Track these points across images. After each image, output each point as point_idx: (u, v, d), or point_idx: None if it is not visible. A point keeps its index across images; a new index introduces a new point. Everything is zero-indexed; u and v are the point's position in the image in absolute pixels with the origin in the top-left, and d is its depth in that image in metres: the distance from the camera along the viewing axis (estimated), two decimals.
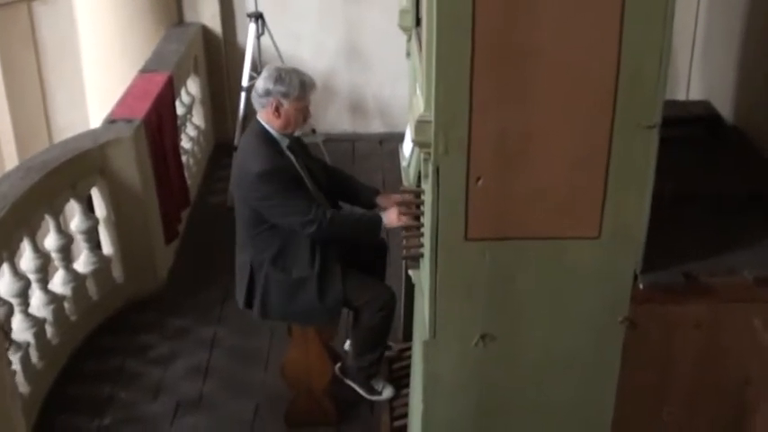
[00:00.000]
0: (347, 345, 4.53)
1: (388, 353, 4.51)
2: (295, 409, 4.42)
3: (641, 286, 3.14)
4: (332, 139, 7.69)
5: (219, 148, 7.64)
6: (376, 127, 8.12)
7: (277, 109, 3.94)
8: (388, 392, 4.39)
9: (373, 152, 7.70)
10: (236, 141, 6.63)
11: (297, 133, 4.12)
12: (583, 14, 2.71)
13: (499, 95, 2.79)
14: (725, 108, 4.47)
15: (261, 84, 3.98)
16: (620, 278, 3.13)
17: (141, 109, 5.61)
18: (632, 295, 3.16)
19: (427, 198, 3.10)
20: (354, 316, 4.23)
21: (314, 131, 7.08)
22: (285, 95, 3.93)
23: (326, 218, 3.91)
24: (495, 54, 2.73)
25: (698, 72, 5.18)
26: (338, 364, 4.41)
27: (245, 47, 7.15)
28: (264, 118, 4.00)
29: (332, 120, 8.05)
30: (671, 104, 5.10)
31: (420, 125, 2.88)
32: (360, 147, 7.88)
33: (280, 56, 6.91)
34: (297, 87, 3.94)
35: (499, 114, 2.82)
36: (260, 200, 3.91)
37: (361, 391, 4.39)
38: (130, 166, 5.33)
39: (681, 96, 5.33)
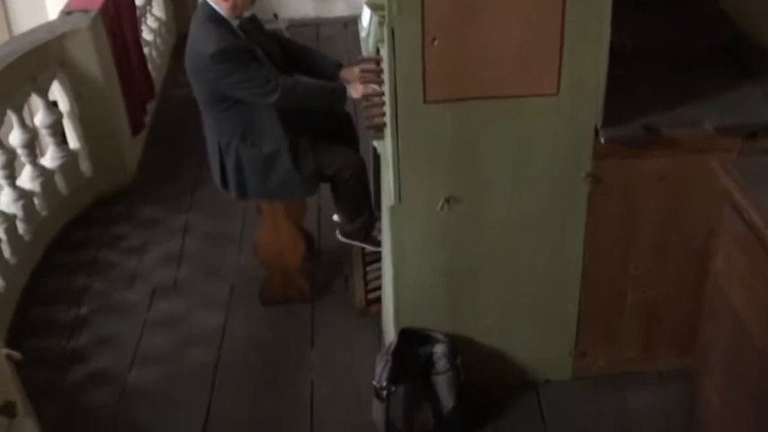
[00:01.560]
0: (335, 216, 4.55)
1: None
2: (269, 287, 4.45)
3: (602, 141, 3.14)
4: (295, 24, 7.59)
5: (182, 39, 7.44)
6: (340, 10, 7.99)
7: None
8: None
9: (338, 35, 7.58)
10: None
11: (247, 14, 4.04)
12: None
13: None
14: None
15: None
16: (581, 134, 3.15)
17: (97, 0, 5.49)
18: (594, 150, 3.19)
19: (385, 64, 3.08)
20: (331, 187, 4.25)
21: (276, 17, 6.98)
22: None
23: (288, 84, 3.87)
24: None
25: None
26: (337, 230, 4.44)
27: None
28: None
29: (295, 4, 7.91)
30: None
31: None
32: (324, 31, 7.77)
33: None
34: None
35: None
36: (218, 79, 3.86)
37: (367, 247, 4.44)
38: (90, 57, 5.23)
39: None
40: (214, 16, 3.89)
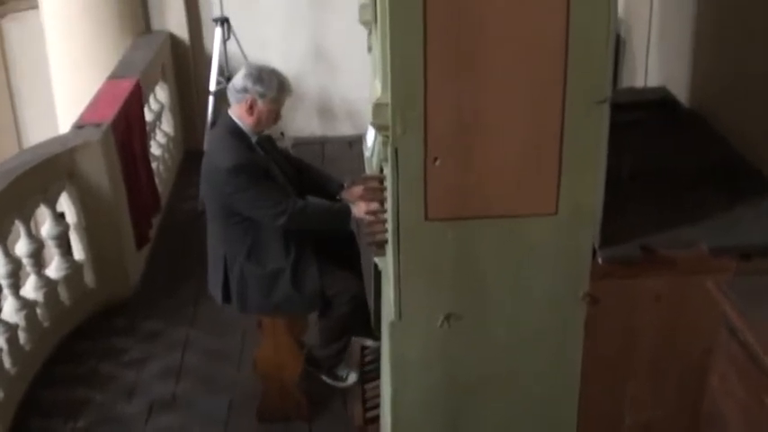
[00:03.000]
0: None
1: (367, 348, 4.57)
2: (267, 403, 4.44)
3: (600, 261, 3.19)
4: (301, 143, 7.76)
5: (189, 155, 7.67)
6: (345, 129, 8.19)
7: (251, 107, 4.00)
8: (352, 378, 4.47)
9: (343, 155, 7.74)
10: (205, 147, 6.64)
11: (267, 131, 4.18)
12: None
13: (452, 72, 2.85)
14: (681, 93, 4.55)
15: (240, 80, 4.03)
16: (579, 254, 3.18)
17: (109, 113, 5.65)
18: (592, 270, 3.21)
19: (388, 181, 3.15)
20: (324, 306, 4.26)
21: (282, 135, 7.12)
22: (262, 95, 3.99)
23: (297, 208, 3.97)
24: (446, 30, 2.79)
25: (655, 59, 5.28)
26: (304, 352, 4.45)
27: (211, 52, 7.20)
28: (236, 113, 4.05)
29: (300, 123, 8.11)
30: (629, 91, 5.23)
31: (377, 108, 2.93)
32: (329, 149, 7.94)
33: (246, 60, 6.95)
34: (275, 89, 4.01)
35: (453, 92, 2.87)
36: (231, 194, 3.95)
37: (326, 379, 4.45)
38: (100, 170, 5.36)
39: (639, 83, 5.42)
40: (235, 130, 4.02)
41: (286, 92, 4.08)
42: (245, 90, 4.00)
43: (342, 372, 4.46)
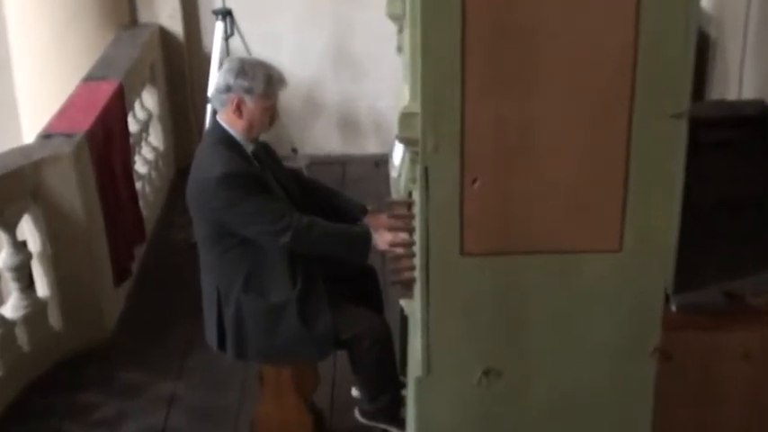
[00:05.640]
0: (354, 391, 4.59)
1: None
2: None
3: (674, 309, 3.22)
4: (317, 162, 7.78)
5: (182, 175, 7.66)
6: (371, 147, 8.24)
7: (239, 107, 4.06)
8: None
9: (368, 177, 7.77)
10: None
11: (262, 138, 4.23)
12: None
13: (497, 80, 2.89)
14: None
15: (221, 78, 4.10)
16: (648, 300, 3.20)
17: (84, 122, 5.69)
18: (664, 320, 3.23)
19: (417, 207, 3.19)
20: (349, 356, 4.31)
21: (295, 152, 7.18)
22: (248, 91, 4.04)
23: (303, 225, 4.00)
24: (490, 31, 2.84)
25: (752, 66, 5.28)
26: (356, 409, 4.47)
27: (210, 51, 7.25)
28: (225, 119, 4.12)
29: (317, 139, 8.15)
30: (720, 105, 5.24)
31: (405, 118, 2.99)
32: (351, 170, 7.98)
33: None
34: (262, 82, 4.06)
35: (497, 103, 2.92)
36: (222, 209, 4.00)
37: (393, 430, 4.45)
38: (71, 189, 5.38)
39: (732, 96, 5.43)
40: (226, 139, 4.09)
41: (276, 84, 4.11)
42: (228, 89, 4.07)
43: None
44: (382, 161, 7.75)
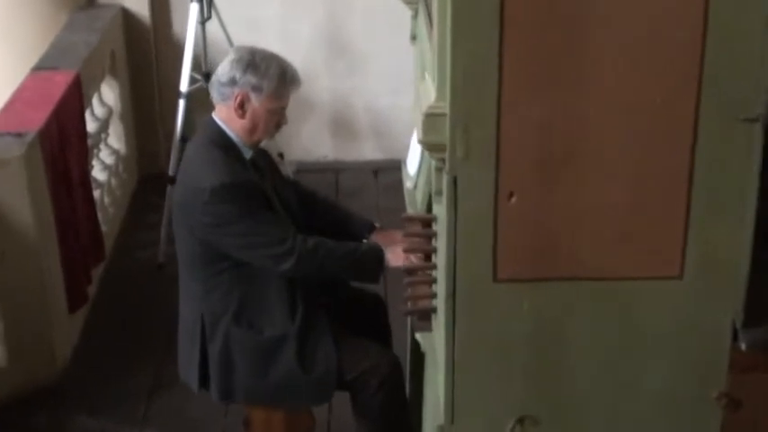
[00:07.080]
0: None
1: None
2: None
3: (743, 347, 3.21)
4: (306, 169, 7.81)
5: (147, 182, 7.72)
6: (368, 152, 8.25)
7: (242, 105, 4.02)
8: None
9: (364, 187, 7.81)
10: (170, 171, 6.70)
11: (262, 144, 4.23)
12: None
13: (539, 80, 2.91)
14: None
15: (226, 69, 4.05)
16: (713, 335, 3.21)
17: (36, 119, 5.66)
18: (731, 360, 3.24)
19: (441, 224, 3.19)
20: (351, 398, 4.29)
21: (281, 157, 7.17)
22: (257, 89, 4.01)
23: (308, 248, 3.99)
24: (533, 22, 2.85)
25: None
26: None
27: (183, 38, 7.23)
28: (223, 116, 4.09)
29: (306, 142, 8.17)
30: None
31: (430, 120, 2.98)
32: (345, 180, 8.00)
33: (233, 46, 7.01)
34: (275, 80, 4.03)
35: (539, 106, 2.93)
36: (216, 226, 3.98)
37: None
38: (19, 198, 5.36)
39: None
40: (223, 140, 4.08)
41: (291, 83, 4.10)
42: (232, 82, 4.04)
43: None
44: (382, 169, 7.78)
